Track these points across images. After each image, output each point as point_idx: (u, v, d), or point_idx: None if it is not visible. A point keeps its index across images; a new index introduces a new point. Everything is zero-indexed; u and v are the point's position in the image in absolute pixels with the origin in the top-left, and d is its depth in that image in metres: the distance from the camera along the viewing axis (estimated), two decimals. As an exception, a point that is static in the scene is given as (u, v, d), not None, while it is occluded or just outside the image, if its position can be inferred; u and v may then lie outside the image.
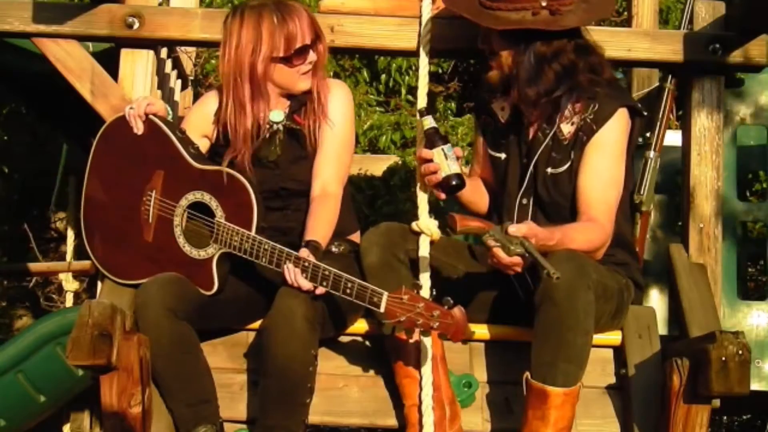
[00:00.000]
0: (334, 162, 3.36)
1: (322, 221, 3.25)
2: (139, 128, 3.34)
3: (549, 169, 3.30)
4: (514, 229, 2.96)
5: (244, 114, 3.31)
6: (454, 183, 3.19)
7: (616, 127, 3.27)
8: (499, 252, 2.96)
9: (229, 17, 3.34)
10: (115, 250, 3.40)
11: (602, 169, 3.25)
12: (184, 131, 3.37)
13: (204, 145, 3.43)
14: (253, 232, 3.15)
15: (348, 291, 3.00)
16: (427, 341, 3.13)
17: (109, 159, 3.44)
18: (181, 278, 3.23)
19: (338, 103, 3.40)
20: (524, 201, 3.34)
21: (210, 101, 3.46)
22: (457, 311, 2.92)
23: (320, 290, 3.05)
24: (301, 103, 3.39)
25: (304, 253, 3.09)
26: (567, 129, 3.30)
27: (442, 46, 3.54)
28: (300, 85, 3.35)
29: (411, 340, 3.13)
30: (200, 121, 3.45)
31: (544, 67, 3.23)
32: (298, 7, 3.33)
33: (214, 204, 3.24)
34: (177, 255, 3.27)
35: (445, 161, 3.18)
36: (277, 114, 3.37)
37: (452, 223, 2.98)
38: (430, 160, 3.19)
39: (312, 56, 3.33)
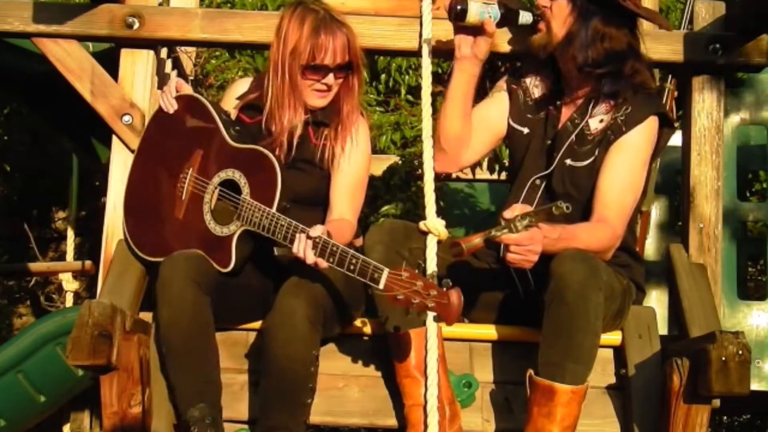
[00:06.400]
0: (350, 199, 3.40)
1: (338, 226, 3.25)
2: (172, 106, 3.45)
3: (568, 161, 3.31)
4: (508, 213, 2.94)
5: (281, 106, 3.35)
6: (459, 8, 3.28)
7: (644, 133, 3.27)
8: (509, 237, 2.91)
9: (287, 8, 3.39)
10: (148, 227, 3.43)
11: (623, 172, 3.25)
12: (228, 113, 3.45)
13: None
14: (273, 209, 3.17)
15: (352, 267, 3.00)
16: (432, 341, 3.12)
17: (157, 139, 3.50)
18: (204, 256, 3.24)
19: (359, 143, 3.42)
20: (537, 182, 3.35)
21: (239, 87, 3.55)
22: (454, 293, 2.89)
23: (323, 264, 3.04)
24: (322, 121, 3.40)
25: (318, 229, 3.08)
26: (594, 125, 3.31)
27: (442, 46, 3.54)
28: (309, 100, 3.37)
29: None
30: (227, 100, 3.55)
31: (597, 43, 3.23)
32: (341, 28, 3.34)
33: (242, 182, 3.27)
34: (201, 231, 3.29)
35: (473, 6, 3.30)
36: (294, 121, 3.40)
37: (458, 249, 2.94)
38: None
39: (330, 79, 3.34)
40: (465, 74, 3.40)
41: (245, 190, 3.25)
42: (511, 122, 3.46)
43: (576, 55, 3.25)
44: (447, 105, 3.42)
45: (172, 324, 3.14)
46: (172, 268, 3.16)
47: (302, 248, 3.06)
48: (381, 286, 2.95)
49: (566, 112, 3.37)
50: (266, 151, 3.27)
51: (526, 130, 3.43)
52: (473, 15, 3.31)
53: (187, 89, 3.49)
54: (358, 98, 3.45)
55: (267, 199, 3.20)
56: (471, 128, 3.44)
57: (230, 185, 3.31)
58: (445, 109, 3.43)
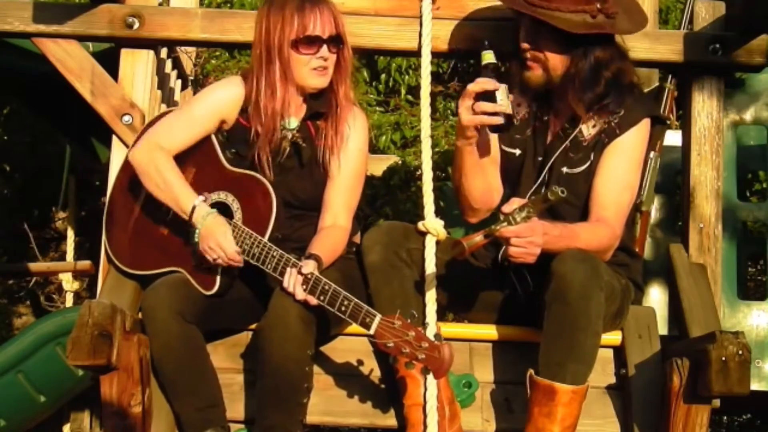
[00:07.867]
0: (347, 195, 3.35)
1: (328, 245, 3.23)
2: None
3: (565, 169, 3.31)
4: (506, 207, 2.92)
5: (273, 96, 3.27)
6: (511, 122, 3.17)
7: (639, 135, 3.28)
8: (508, 229, 2.88)
9: (261, 7, 3.33)
10: (129, 238, 3.40)
11: (619, 172, 3.26)
12: (226, 135, 3.36)
13: (212, 126, 3.36)
14: (266, 239, 3.14)
15: (343, 309, 2.98)
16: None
17: None
18: (186, 281, 3.22)
19: (357, 133, 3.37)
20: (533, 198, 3.34)
21: (235, 87, 3.37)
22: (446, 347, 2.89)
23: (313, 302, 3.02)
24: (318, 114, 3.35)
25: (310, 265, 3.07)
26: (587, 131, 3.31)
27: (442, 46, 3.54)
28: (309, 81, 3.29)
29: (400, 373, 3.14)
30: (222, 105, 3.36)
31: (601, 73, 3.22)
32: (324, 2, 3.28)
33: (235, 206, 3.24)
34: (187, 250, 3.26)
35: (506, 99, 3.13)
36: (293, 121, 3.35)
37: (460, 248, 2.90)
38: (487, 95, 3.12)
39: (325, 52, 3.26)
40: (471, 146, 3.29)
41: (237, 215, 3.22)
42: (503, 146, 3.40)
43: (582, 98, 3.23)
44: (467, 175, 3.32)
45: (163, 356, 3.15)
46: (154, 299, 3.16)
47: (292, 283, 3.03)
48: (372, 331, 2.94)
49: (554, 125, 3.35)
50: (263, 179, 3.22)
51: (518, 152, 3.40)
52: (505, 107, 3.15)
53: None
54: (350, 78, 3.38)
55: (259, 228, 3.16)
56: (493, 177, 3.39)
57: (220, 208, 3.26)
58: (466, 178, 3.33)
